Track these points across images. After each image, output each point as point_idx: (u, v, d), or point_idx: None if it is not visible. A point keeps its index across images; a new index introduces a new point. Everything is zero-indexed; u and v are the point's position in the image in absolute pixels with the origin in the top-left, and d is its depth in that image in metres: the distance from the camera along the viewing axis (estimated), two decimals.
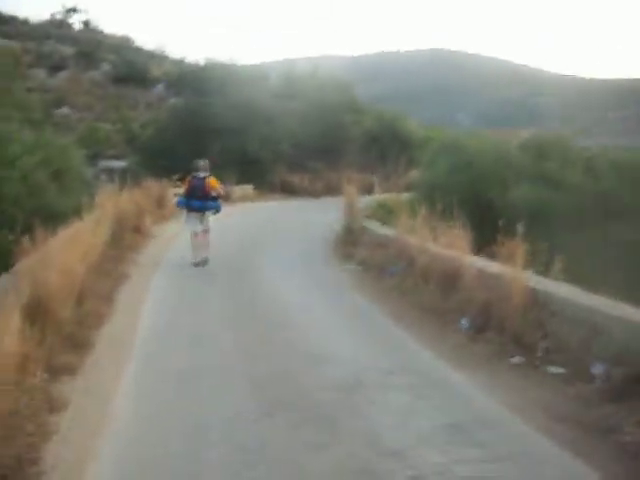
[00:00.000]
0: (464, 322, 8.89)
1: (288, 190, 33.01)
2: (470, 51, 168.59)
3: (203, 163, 14.14)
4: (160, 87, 44.88)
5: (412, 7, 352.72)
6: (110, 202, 15.59)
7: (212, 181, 14.03)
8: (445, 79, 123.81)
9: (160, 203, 21.61)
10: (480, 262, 10.14)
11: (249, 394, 6.63)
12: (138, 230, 16.75)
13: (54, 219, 10.89)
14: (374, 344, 8.46)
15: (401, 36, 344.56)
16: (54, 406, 5.92)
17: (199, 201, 13.85)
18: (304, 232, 19.58)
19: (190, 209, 14.03)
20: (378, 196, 22.15)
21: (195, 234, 13.90)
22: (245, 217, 21.44)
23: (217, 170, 27.00)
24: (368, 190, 32.24)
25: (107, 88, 43.75)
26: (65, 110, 39.41)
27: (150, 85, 45.30)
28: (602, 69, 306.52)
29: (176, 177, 24.59)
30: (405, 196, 20.95)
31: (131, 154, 34.20)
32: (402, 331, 9.06)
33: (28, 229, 9.32)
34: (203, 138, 31.30)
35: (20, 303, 6.37)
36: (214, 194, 14.02)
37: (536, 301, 7.89)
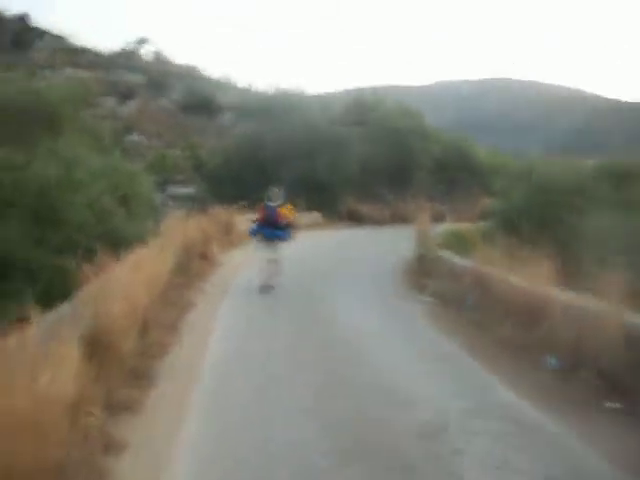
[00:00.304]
0: (552, 360, 8.20)
1: (355, 218, 32.49)
2: (530, 78, 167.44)
3: (276, 191, 14.16)
4: (227, 115, 45.04)
5: (473, 36, 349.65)
6: (177, 228, 15.29)
7: (283, 210, 14.04)
8: (507, 107, 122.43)
9: (227, 230, 21.29)
10: (568, 295, 9.38)
11: (321, 437, 6.08)
12: (205, 257, 16.39)
13: (119, 245, 10.59)
14: (455, 383, 7.81)
15: (463, 65, 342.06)
16: (111, 447, 5.46)
17: (270, 229, 13.88)
18: (375, 261, 19.04)
19: (262, 237, 14.07)
20: (450, 225, 21.45)
21: (266, 262, 13.91)
22: (314, 245, 20.93)
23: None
24: (438, 219, 31.76)
25: (176, 116, 44.04)
26: (135, 137, 39.70)
27: (217, 113, 45.48)
28: None
29: (243, 204, 24.38)
30: (478, 225, 20.29)
31: (199, 181, 34.20)
32: (484, 369, 8.40)
33: (92, 255, 9.04)
34: (270, 165, 31.11)
35: (79, 334, 5.93)
36: (285, 223, 14.01)
37: (635, 339, 7.15)
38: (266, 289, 13.63)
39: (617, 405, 6.76)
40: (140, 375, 7.01)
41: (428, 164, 36.89)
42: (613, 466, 5.39)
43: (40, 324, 5.60)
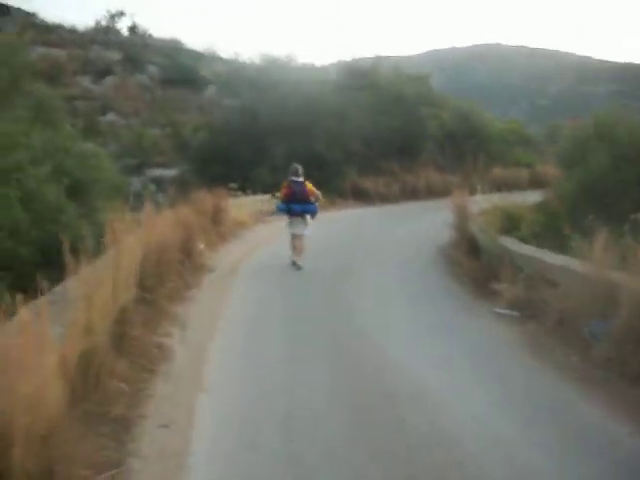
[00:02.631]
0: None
1: (360, 195, 27.75)
2: (519, 43, 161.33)
3: (300, 167, 13.43)
4: (212, 88, 40.12)
5: (460, 2, 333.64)
6: (146, 225, 10.51)
7: (310, 185, 13.42)
8: (497, 74, 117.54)
9: (216, 219, 16.57)
10: None
11: None
12: (185, 263, 11.72)
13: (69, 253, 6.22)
14: None
15: (452, 33, 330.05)
16: None
17: (299, 205, 13.28)
18: (408, 254, 14.54)
19: (291, 213, 13.40)
20: (484, 200, 16.63)
21: (295, 237, 13.34)
22: (324, 232, 16.43)
23: (280, 175, 22.42)
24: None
25: (155, 92, 39.19)
26: (111, 117, 35.04)
27: (201, 87, 40.60)
28: None
29: (234, 185, 20.03)
30: (529, 202, 15.85)
31: (182, 161, 29.51)
32: None
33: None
34: (263, 140, 26.50)
35: None
36: (312, 199, 13.38)
37: None
38: (297, 264, 13.01)
39: None
40: None
41: (436, 132, 32.24)
42: None
43: None
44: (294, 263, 13.04)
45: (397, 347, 7.63)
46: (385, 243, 16.26)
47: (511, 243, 10.87)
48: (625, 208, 9.95)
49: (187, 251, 11.88)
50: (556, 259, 9.14)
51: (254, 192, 22.09)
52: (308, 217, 13.43)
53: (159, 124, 33.96)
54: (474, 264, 11.82)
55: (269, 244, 16.43)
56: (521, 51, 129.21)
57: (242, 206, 19.59)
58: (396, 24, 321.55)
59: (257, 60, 35.37)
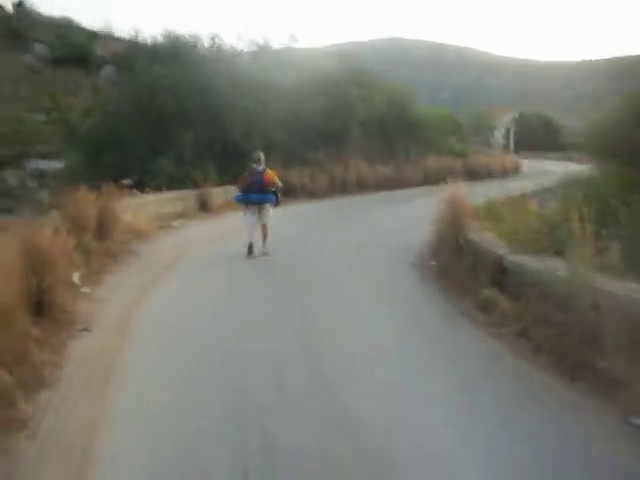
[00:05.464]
0: None
1: (284, 190, 22.61)
2: (420, 38, 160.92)
3: (261, 155, 12.29)
4: (109, 69, 34.05)
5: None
6: None
7: (270, 174, 12.22)
8: (398, 67, 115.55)
9: (102, 231, 11.19)
10: None
11: None
12: (43, 314, 6.50)
13: None
14: None
15: (354, 27, 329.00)
16: None
17: (257, 194, 12.04)
18: (386, 285, 9.55)
19: (249, 203, 12.10)
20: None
21: (253, 227, 12.01)
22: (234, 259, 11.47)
23: (190, 166, 19.89)
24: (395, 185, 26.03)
25: (42, 73, 33.03)
26: None
27: (96, 68, 34.62)
28: (556, 52, 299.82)
29: (129, 181, 14.92)
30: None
31: (71, 151, 23.60)
32: None
33: None
34: (168, 126, 21.04)
35: None
36: (272, 188, 12.16)
37: None
38: (254, 254, 11.79)
39: None
40: None
41: (366, 118, 27.31)
42: None
43: None
44: (250, 251, 11.79)
45: None
46: (343, 254, 11.46)
47: (606, 281, 6.00)
48: None
49: (43, 301, 6.59)
50: None
51: (157, 188, 16.75)
52: (268, 206, 12.20)
53: (45, 109, 27.96)
54: (526, 309, 6.85)
55: (184, 263, 11.38)
56: (422, 45, 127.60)
57: (141, 209, 14.27)
58: (295, 18, 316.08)
59: (159, 37, 29.68)
